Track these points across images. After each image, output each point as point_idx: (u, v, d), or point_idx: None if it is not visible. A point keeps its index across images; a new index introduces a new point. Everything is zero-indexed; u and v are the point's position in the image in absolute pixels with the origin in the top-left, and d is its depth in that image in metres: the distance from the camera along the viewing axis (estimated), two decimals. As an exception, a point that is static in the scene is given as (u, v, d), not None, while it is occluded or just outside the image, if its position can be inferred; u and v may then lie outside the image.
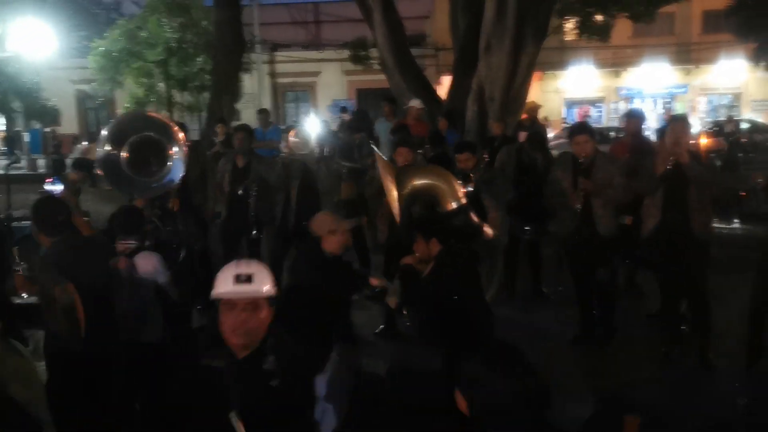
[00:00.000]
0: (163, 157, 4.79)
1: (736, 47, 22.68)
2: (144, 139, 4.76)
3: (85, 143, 21.52)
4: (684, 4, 20.67)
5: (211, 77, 16.05)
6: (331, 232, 4.07)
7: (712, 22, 27.25)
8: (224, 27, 14.04)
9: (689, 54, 29.44)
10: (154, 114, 5.10)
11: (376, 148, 4.54)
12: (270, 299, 2.46)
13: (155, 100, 20.82)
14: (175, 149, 4.72)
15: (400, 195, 4.33)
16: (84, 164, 6.88)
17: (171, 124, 4.98)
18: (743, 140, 20.80)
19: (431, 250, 4.15)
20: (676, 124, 5.34)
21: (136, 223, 4.33)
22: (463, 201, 4.50)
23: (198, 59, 20.65)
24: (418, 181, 4.46)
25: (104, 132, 4.81)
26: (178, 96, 21.50)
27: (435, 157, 7.14)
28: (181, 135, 4.90)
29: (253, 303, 2.39)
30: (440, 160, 7.18)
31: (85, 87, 25.78)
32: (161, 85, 20.87)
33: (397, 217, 4.31)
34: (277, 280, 7.07)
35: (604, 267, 5.41)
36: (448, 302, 4.01)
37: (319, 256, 4.06)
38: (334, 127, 9.95)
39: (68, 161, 15.88)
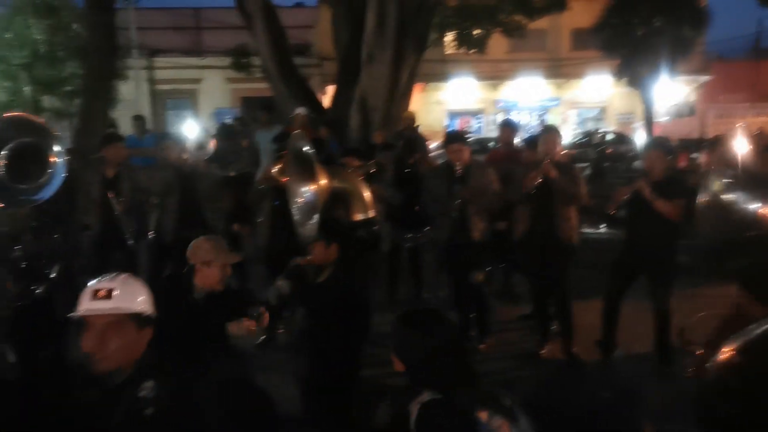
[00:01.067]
0: (44, 163, 4.46)
1: (602, 63, 24.25)
2: (24, 144, 4.43)
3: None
4: (554, 22, 21.87)
5: (83, 83, 15.27)
6: (205, 263, 3.59)
7: (580, 39, 29.00)
8: (97, 30, 13.41)
9: (560, 69, 31.15)
10: (33, 117, 4.72)
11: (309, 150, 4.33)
12: (140, 317, 2.22)
13: (20, 105, 19.48)
14: (56, 156, 4.41)
15: (329, 188, 4.21)
16: None
17: (51, 128, 4.65)
18: (609, 151, 22.23)
19: (329, 255, 4.08)
20: (547, 134, 5.56)
21: None
22: (371, 214, 4.49)
23: (69, 63, 19.57)
24: (338, 184, 4.41)
25: None
26: (47, 101, 20.25)
27: (322, 162, 7.13)
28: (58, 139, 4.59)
29: (115, 322, 2.15)
30: (327, 164, 7.18)
31: (-59, 90, 23.78)
32: (27, 89, 19.59)
33: (320, 209, 4.14)
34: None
35: (477, 271, 5.59)
36: (342, 310, 3.96)
37: (182, 294, 3.58)
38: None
39: None
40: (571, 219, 5.43)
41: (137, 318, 2.22)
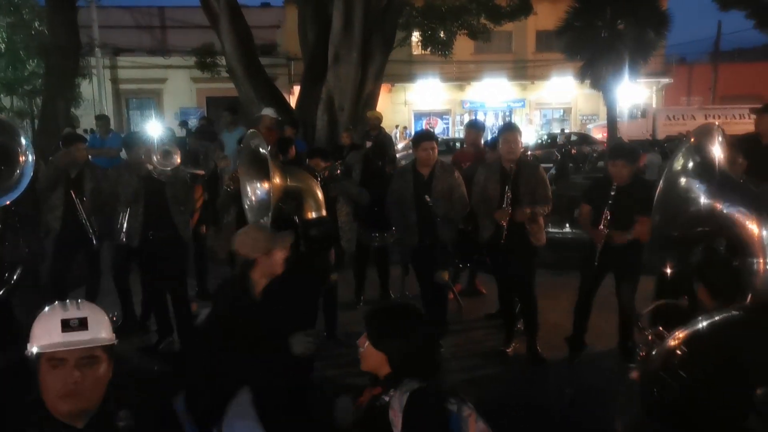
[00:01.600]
0: (13, 164, 4.38)
1: (566, 65, 24.57)
2: None
3: None
4: (519, 24, 22.09)
5: (44, 81, 15.00)
6: (266, 253, 3.44)
7: (544, 41, 29.41)
8: (58, 28, 13.19)
9: (525, 70, 31.51)
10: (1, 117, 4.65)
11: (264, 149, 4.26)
12: (111, 349, 1.99)
13: (-22, 105, 19.12)
14: (25, 156, 4.33)
15: (282, 187, 4.17)
16: None
17: (19, 128, 4.55)
18: (573, 151, 22.50)
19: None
20: (508, 133, 5.47)
21: None
22: (324, 213, 4.47)
23: (30, 62, 19.22)
24: (291, 183, 4.38)
25: None
26: (6, 101, 19.85)
27: (289, 163, 7.09)
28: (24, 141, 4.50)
29: (90, 356, 1.91)
30: (293, 165, 7.14)
31: None
32: (-14, 89, 19.21)
33: (272, 208, 4.08)
34: (125, 300, 6.55)
35: (442, 270, 5.60)
36: (299, 305, 3.89)
37: (235, 299, 3.42)
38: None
39: None
40: (539, 220, 5.49)
41: (111, 349, 2.00)
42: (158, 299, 5.96)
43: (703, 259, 3.49)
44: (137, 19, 29.04)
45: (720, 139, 3.21)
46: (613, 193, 5.11)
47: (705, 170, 3.17)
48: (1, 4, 18.73)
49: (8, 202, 4.38)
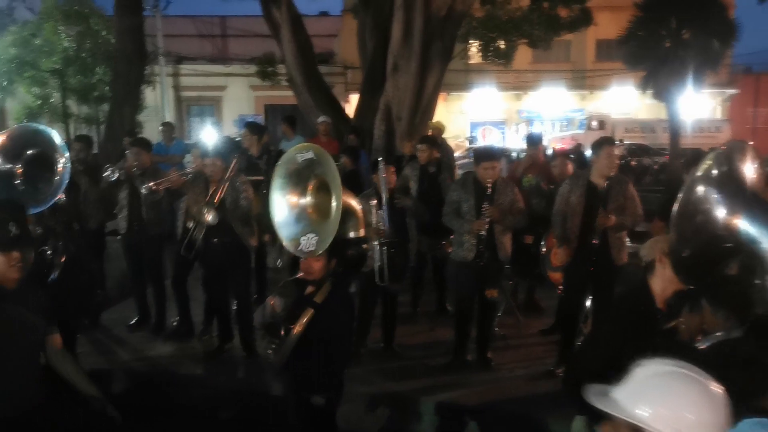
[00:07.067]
0: (53, 172, 4.62)
1: (627, 75, 24.05)
2: (37, 154, 4.61)
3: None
4: (579, 33, 21.73)
5: (111, 88, 15.48)
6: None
7: (605, 50, 28.87)
8: (126, 36, 13.62)
9: (584, 80, 30.97)
10: (42, 127, 4.91)
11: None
12: None
13: (49, 111, 19.82)
14: (62, 164, 4.55)
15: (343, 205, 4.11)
16: None
17: (53, 134, 4.78)
18: (633, 163, 21.97)
19: (326, 271, 3.76)
20: (610, 147, 5.33)
21: None
22: (362, 233, 4.39)
23: (97, 70, 19.86)
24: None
25: None
26: (75, 107, 20.56)
27: (351, 172, 7.12)
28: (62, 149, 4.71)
29: None
30: (355, 175, 7.14)
31: (-28, 95, 24.21)
32: (56, 95, 19.90)
33: (336, 227, 3.93)
34: (183, 306, 6.63)
35: (493, 287, 5.49)
36: (336, 327, 3.69)
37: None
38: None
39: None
40: (622, 235, 5.33)
41: None
42: (221, 305, 6.02)
43: (717, 280, 3.18)
44: (199, 28, 29.72)
45: (752, 158, 2.99)
46: None
47: (731, 182, 2.93)
48: (69, 13, 19.44)
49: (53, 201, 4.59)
